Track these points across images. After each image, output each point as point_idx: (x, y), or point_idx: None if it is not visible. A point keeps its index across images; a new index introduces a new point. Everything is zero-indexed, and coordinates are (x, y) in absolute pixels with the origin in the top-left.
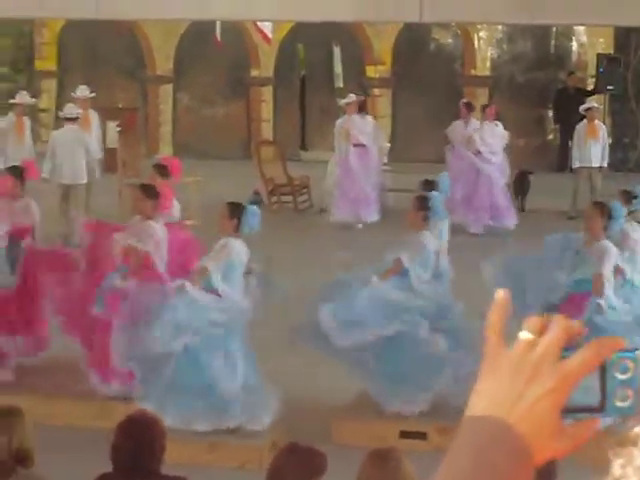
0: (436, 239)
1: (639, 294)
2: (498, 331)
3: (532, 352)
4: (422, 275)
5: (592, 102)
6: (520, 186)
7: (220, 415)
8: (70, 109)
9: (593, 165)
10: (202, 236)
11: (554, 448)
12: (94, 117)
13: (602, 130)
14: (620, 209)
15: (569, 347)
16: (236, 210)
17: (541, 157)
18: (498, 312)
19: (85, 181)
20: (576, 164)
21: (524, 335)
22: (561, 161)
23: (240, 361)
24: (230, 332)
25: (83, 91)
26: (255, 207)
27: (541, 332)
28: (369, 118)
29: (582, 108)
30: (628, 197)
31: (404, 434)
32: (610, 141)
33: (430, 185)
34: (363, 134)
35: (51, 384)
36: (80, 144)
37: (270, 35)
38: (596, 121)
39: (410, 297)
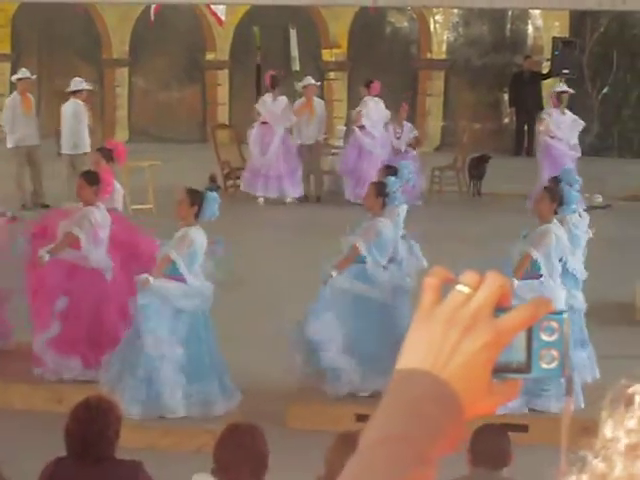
0: (394, 225)
1: (577, 285)
2: (435, 289)
3: (467, 305)
4: (379, 261)
5: (564, 86)
6: (475, 170)
7: (182, 401)
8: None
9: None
10: (158, 220)
11: (483, 405)
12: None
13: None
14: (570, 195)
15: (501, 308)
16: (196, 197)
17: (497, 141)
18: (437, 273)
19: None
20: None
21: (460, 288)
22: (517, 145)
23: (204, 347)
24: (196, 319)
25: (24, 73)
26: (215, 194)
27: (477, 287)
28: (283, 98)
29: (556, 91)
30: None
31: (360, 417)
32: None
33: (390, 171)
34: (271, 113)
35: (9, 369)
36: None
37: (223, 18)
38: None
39: (369, 286)
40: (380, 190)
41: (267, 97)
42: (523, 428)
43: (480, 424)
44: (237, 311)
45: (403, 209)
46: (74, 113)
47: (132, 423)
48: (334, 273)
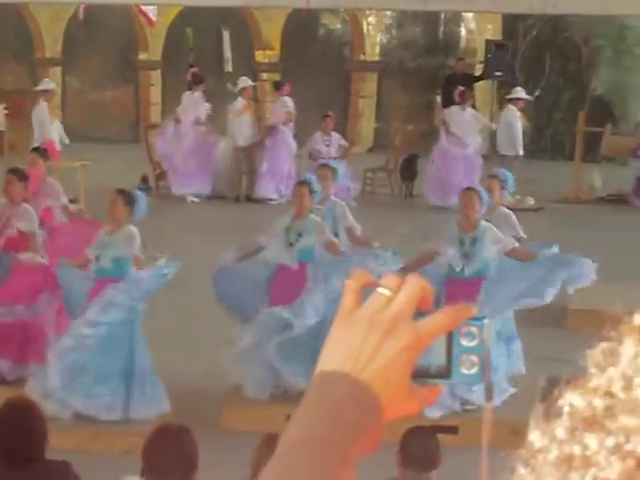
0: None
1: None
2: (356, 292)
3: (388, 308)
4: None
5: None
6: (407, 171)
7: (120, 402)
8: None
9: (520, 153)
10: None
11: (403, 407)
12: None
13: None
14: (484, 193)
15: (421, 312)
16: (130, 197)
17: (429, 142)
18: (359, 277)
19: None
20: (508, 151)
21: (381, 291)
22: None
23: (139, 347)
24: (134, 318)
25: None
26: (142, 193)
27: (397, 290)
28: (197, 94)
29: (512, 97)
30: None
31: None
32: (496, 127)
33: (327, 170)
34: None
35: None
36: None
37: (154, 18)
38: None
39: None
40: (308, 188)
41: (188, 94)
42: (453, 430)
43: (410, 426)
44: (172, 312)
45: (340, 206)
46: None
47: (62, 425)
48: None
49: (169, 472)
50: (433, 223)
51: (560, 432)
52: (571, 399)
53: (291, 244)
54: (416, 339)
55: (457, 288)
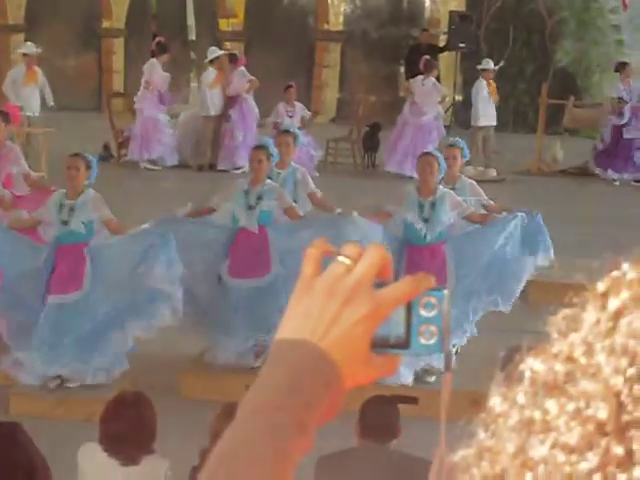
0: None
1: None
2: (316, 260)
3: (348, 276)
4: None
5: (490, 64)
6: (370, 142)
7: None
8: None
9: (493, 123)
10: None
11: (361, 376)
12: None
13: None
14: (442, 158)
15: (381, 282)
16: (90, 162)
17: (393, 113)
18: (318, 245)
19: None
20: (482, 122)
21: (341, 259)
22: None
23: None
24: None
25: (30, 48)
26: (94, 158)
27: (357, 259)
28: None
29: (482, 67)
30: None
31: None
32: (461, 98)
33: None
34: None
35: None
36: None
37: None
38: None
39: None
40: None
41: (153, 62)
42: (413, 400)
43: (369, 396)
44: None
45: (301, 171)
46: None
47: (24, 391)
48: None
49: (127, 440)
50: (396, 193)
51: (521, 397)
52: (532, 364)
53: (250, 207)
54: (375, 308)
55: (419, 254)
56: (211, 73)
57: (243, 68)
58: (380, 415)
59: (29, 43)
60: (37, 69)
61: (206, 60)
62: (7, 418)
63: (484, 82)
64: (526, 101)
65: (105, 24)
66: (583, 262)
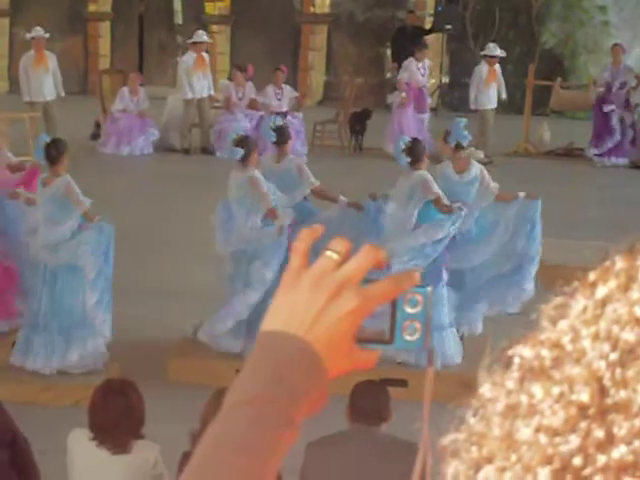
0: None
1: None
2: (303, 254)
3: (336, 271)
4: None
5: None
6: (357, 125)
7: (64, 351)
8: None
9: (493, 107)
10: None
11: (343, 368)
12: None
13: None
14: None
15: (368, 279)
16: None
17: (379, 95)
18: (306, 238)
19: None
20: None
21: (329, 254)
22: None
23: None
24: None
25: (38, 32)
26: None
27: (345, 255)
28: None
29: (486, 54)
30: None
31: None
32: (447, 80)
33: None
34: None
35: None
36: None
37: None
38: (496, 65)
39: None
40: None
41: None
42: (403, 383)
43: (359, 380)
44: (126, 265)
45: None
46: None
47: (11, 377)
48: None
49: (116, 427)
50: (382, 174)
51: (509, 382)
52: (521, 350)
53: None
54: (361, 304)
55: None
56: (190, 57)
57: (289, 87)
58: (370, 399)
59: (38, 27)
60: (48, 53)
61: (189, 41)
62: None
63: (486, 67)
64: (513, 82)
65: (91, 7)
66: (572, 243)
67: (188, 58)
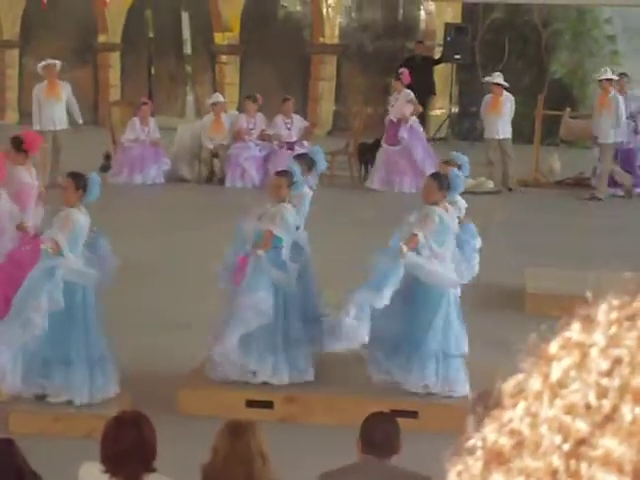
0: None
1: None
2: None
3: None
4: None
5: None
6: (367, 155)
7: (74, 386)
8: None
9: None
10: (47, 205)
11: None
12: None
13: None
14: (457, 178)
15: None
16: (81, 181)
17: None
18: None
19: None
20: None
21: None
22: None
23: (92, 330)
24: (82, 301)
25: (50, 61)
26: (96, 174)
27: None
28: None
29: (488, 81)
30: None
31: (250, 403)
32: (457, 110)
33: (302, 158)
34: None
35: None
36: None
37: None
38: (504, 95)
39: (283, 273)
40: (286, 178)
41: None
42: (412, 414)
43: (370, 413)
44: (137, 296)
45: (307, 196)
46: None
47: (22, 408)
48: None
49: (128, 461)
50: (392, 206)
51: (475, 467)
52: (485, 433)
53: None
54: None
55: None
56: (209, 118)
57: (299, 117)
58: (380, 431)
59: (50, 59)
60: (62, 82)
61: (208, 103)
62: (7, 435)
63: (489, 96)
64: (522, 112)
65: (101, 38)
66: (579, 273)
67: (208, 120)
